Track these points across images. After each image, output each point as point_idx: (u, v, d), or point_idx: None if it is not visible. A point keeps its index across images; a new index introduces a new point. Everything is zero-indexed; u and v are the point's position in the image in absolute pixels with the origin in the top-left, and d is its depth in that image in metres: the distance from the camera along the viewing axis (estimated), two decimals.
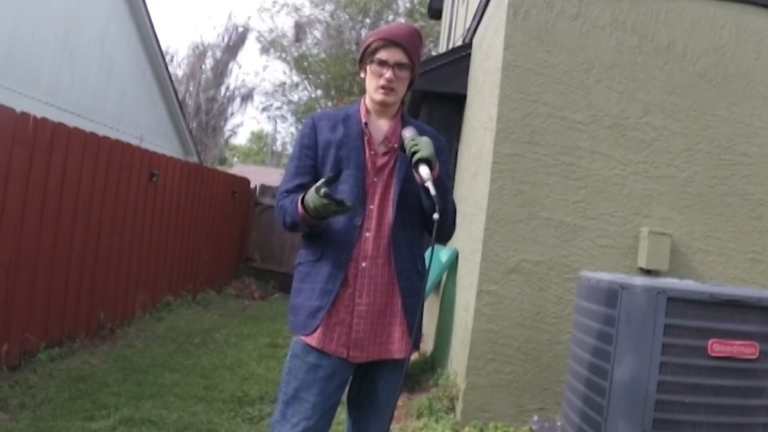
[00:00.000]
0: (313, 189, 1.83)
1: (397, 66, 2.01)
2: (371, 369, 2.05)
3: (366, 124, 2.08)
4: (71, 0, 8.63)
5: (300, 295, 2.04)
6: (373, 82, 2.05)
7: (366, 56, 2.06)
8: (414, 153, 1.89)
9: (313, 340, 1.97)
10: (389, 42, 2.01)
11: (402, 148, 1.97)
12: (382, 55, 2.01)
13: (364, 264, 1.99)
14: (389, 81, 2.01)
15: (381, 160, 2.06)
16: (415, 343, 2.08)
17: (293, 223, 1.98)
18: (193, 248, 7.54)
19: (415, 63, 2.06)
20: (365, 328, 1.98)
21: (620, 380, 2.38)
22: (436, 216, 1.85)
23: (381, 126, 2.10)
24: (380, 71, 2.02)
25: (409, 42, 2.03)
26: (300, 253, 2.10)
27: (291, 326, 2.05)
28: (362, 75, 2.11)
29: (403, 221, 2.04)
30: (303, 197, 1.90)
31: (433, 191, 1.85)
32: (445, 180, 2.03)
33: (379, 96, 2.04)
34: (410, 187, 2.03)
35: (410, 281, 2.03)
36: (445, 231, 2.08)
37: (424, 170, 1.87)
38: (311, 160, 2.06)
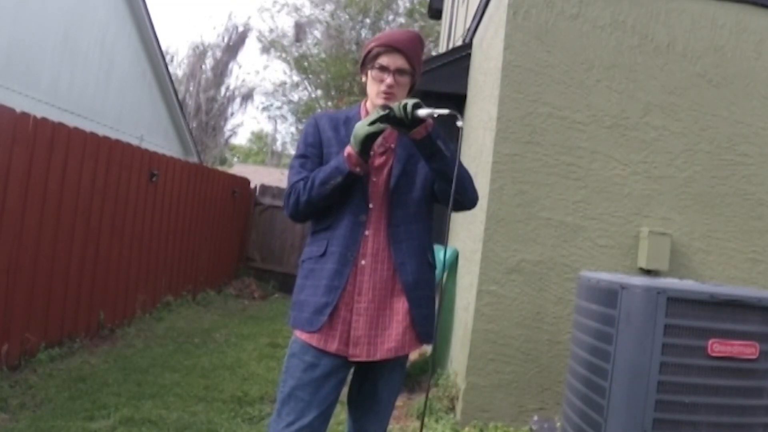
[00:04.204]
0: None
1: (397, 72, 2.03)
2: (371, 369, 2.06)
3: None
4: (71, 0, 8.64)
5: (304, 291, 2.05)
6: (374, 87, 2.07)
7: (367, 61, 2.08)
8: (404, 106, 1.86)
9: (313, 338, 1.98)
10: (390, 48, 2.03)
11: (396, 122, 1.90)
12: (383, 60, 2.03)
13: (363, 262, 2.01)
14: (390, 87, 2.03)
15: (379, 160, 2.08)
16: (428, 335, 2.06)
17: (325, 178, 1.96)
18: (193, 248, 7.53)
19: (416, 68, 2.08)
20: (364, 326, 1.99)
21: (620, 380, 2.38)
22: (459, 123, 1.87)
23: None
24: (381, 77, 2.03)
25: (410, 47, 2.05)
26: (305, 250, 2.12)
27: (293, 323, 2.05)
28: (363, 79, 2.13)
29: (404, 216, 2.05)
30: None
31: (446, 111, 1.86)
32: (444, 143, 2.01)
33: (380, 101, 2.05)
34: (408, 182, 2.05)
35: (413, 274, 2.03)
36: (468, 194, 2.05)
37: (423, 111, 1.86)
38: (317, 157, 2.09)
